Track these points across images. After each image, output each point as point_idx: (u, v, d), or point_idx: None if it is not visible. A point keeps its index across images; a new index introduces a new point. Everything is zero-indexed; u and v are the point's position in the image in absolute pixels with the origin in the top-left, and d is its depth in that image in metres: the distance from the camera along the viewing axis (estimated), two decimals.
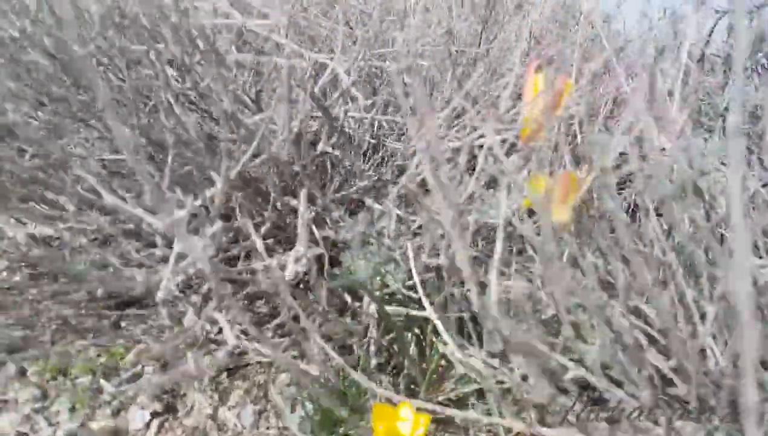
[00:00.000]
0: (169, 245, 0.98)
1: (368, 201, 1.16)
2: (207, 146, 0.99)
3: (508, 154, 1.04)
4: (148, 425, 1.06)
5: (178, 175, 1.00)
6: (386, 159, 1.43)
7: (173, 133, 0.98)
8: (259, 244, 0.87)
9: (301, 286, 1.13)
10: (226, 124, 1.02)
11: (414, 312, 1.04)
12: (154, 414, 1.07)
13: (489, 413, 1.04)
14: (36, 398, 1.09)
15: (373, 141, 1.28)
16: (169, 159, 1.00)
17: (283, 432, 1.05)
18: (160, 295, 0.77)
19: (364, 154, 1.29)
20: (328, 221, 1.10)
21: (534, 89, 0.85)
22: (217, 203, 0.97)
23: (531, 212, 0.87)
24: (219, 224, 0.87)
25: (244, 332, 1.03)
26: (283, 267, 0.96)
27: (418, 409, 0.82)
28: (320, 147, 1.19)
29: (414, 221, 1.12)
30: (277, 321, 1.06)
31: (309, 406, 1.04)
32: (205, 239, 0.85)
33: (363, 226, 1.03)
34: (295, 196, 1.17)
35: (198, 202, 0.94)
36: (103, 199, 0.84)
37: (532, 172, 0.92)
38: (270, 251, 1.17)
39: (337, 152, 1.19)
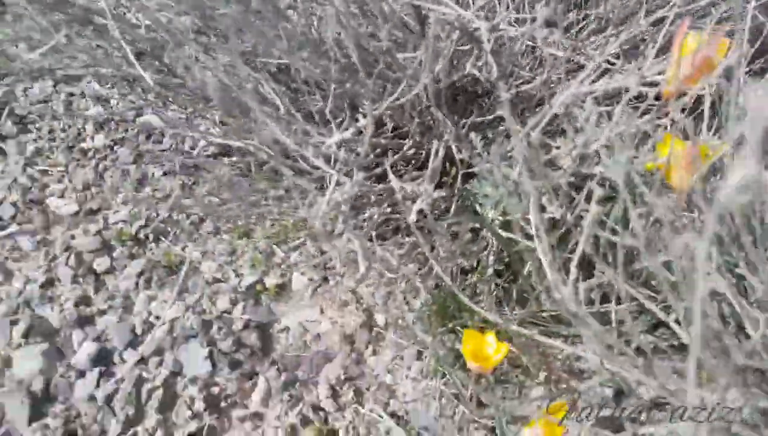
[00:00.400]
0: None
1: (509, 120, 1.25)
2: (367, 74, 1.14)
3: (646, 111, 1.07)
4: (306, 288, 1.36)
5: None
6: (542, 62, 1.47)
7: (337, 63, 1.14)
8: (396, 184, 1.05)
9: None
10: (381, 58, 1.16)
11: (527, 243, 1.18)
12: (311, 280, 1.37)
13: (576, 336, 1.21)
14: (228, 252, 1.42)
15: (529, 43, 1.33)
16: (332, 87, 1.17)
17: (406, 313, 1.30)
18: (317, 223, 0.99)
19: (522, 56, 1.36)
20: (464, 145, 1.23)
21: (683, 48, 0.84)
22: (369, 131, 1.14)
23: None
24: (361, 175, 1.05)
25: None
26: (415, 196, 1.14)
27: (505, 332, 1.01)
28: (468, 68, 1.28)
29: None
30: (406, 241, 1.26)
31: (428, 297, 1.28)
32: (357, 178, 1.05)
33: (495, 158, 1.15)
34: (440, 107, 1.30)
35: (351, 131, 1.12)
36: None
37: (665, 133, 0.96)
38: (412, 161, 1.34)
39: (484, 75, 1.28)
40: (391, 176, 1.08)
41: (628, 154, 0.93)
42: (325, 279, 1.37)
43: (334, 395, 1.17)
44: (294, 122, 1.16)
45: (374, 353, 1.25)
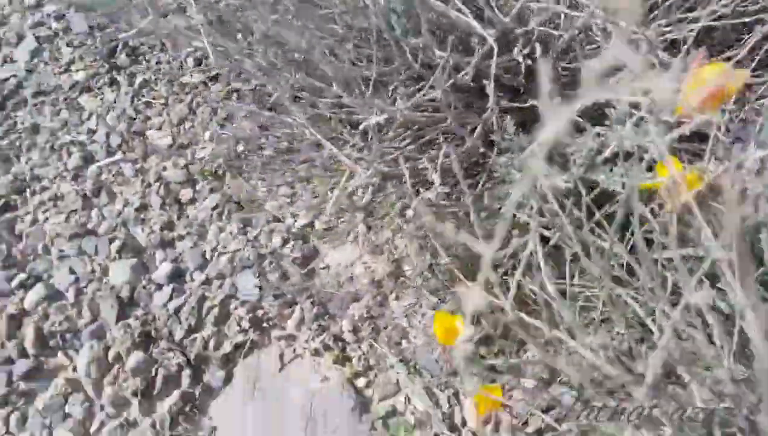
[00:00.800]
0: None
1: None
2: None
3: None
4: (349, 234, 1.58)
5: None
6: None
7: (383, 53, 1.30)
8: (407, 174, 1.22)
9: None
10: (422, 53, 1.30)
11: (546, 234, 1.33)
12: (354, 227, 1.58)
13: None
14: (289, 194, 1.65)
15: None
16: (373, 74, 1.33)
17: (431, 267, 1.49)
18: (331, 205, 1.19)
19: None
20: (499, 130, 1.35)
21: (698, 77, 0.91)
22: (399, 119, 1.30)
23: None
24: (372, 171, 1.22)
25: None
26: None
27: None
28: (515, 53, 1.38)
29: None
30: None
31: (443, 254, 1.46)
32: (372, 170, 1.23)
33: (524, 145, 1.28)
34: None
35: (384, 117, 1.28)
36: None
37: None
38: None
39: (528, 62, 1.38)
40: (402, 166, 1.24)
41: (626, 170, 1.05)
42: (369, 228, 1.58)
43: (355, 329, 1.40)
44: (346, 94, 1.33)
45: (397, 298, 1.46)
